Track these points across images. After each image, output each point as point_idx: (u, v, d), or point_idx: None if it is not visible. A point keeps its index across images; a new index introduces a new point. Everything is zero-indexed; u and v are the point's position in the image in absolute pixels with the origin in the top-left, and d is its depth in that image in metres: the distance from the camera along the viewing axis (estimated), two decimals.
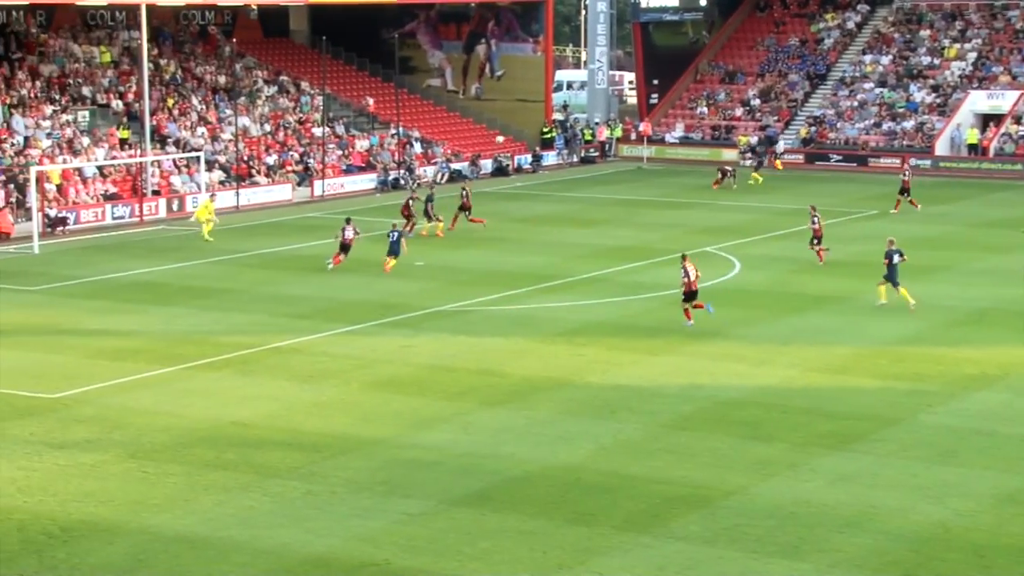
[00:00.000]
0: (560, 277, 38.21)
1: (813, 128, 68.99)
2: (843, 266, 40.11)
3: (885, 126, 67.91)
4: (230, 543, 18.70)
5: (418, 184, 57.98)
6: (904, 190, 50.92)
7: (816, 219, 40.01)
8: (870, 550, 18.68)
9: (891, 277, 33.52)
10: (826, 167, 65.35)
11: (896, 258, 33.50)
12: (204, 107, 58.06)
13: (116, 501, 20.30)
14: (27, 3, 52.69)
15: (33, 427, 23.92)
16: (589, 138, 70.55)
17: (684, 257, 32.38)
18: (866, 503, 20.43)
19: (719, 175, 57.91)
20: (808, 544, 18.89)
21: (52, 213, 46.32)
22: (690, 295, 31.89)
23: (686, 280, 31.77)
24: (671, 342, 30.52)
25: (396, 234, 38.81)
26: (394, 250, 38.45)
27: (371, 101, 64.31)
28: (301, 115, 61.29)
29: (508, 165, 64.86)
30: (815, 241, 39.80)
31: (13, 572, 17.70)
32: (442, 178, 60.93)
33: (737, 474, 21.71)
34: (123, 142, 52.91)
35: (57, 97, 53.47)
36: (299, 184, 55.75)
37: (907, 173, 52.59)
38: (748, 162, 65.26)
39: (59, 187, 48.28)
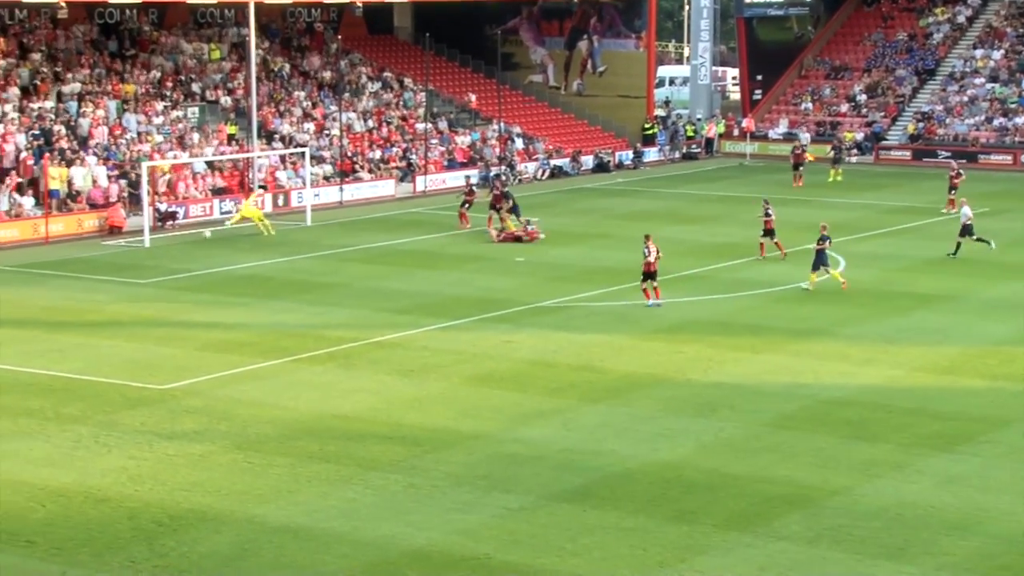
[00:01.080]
0: (661, 274, 38.05)
1: (921, 124, 67.86)
2: (951, 264, 39.43)
3: (996, 122, 66.54)
4: (332, 534, 18.92)
5: (519, 180, 58.10)
6: (952, 188, 49.12)
7: (769, 212, 40.03)
8: (979, 553, 18.34)
9: (820, 261, 35.09)
10: (934, 164, 64.20)
11: (827, 244, 35.27)
12: (310, 103, 58.71)
13: (223, 491, 20.64)
14: (140, 1, 53.70)
15: (143, 417, 24.40)
16: (691, 134, 70.15)
17: (647, 237, 33.28)
18: (975, 506, 20.07)
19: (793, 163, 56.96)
20: (914, 547, 18.61)
21: (162, 207, 47.20)
22: (648, 275, 33.04)
23: (647, 260, 32.83)
24: (774, 340, 30.25)
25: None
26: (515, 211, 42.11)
27: (473, 97, 64.55)
28: (404, 111, 61.71)
29: (609, 161, 64.70)
30: (766, 234, 39.88)
31: (124, 559, 18.09)
32: (543, 174, 60.95)
33: (841, 474, 21.45)
34: (231, 138, 53.72)
35: (168, 94, 54.43)
36: (401, 180, 56.15)
37: (956, 171, 50.93)
38: (851, 158, 64.39)
39: (170, 182, 49.16)
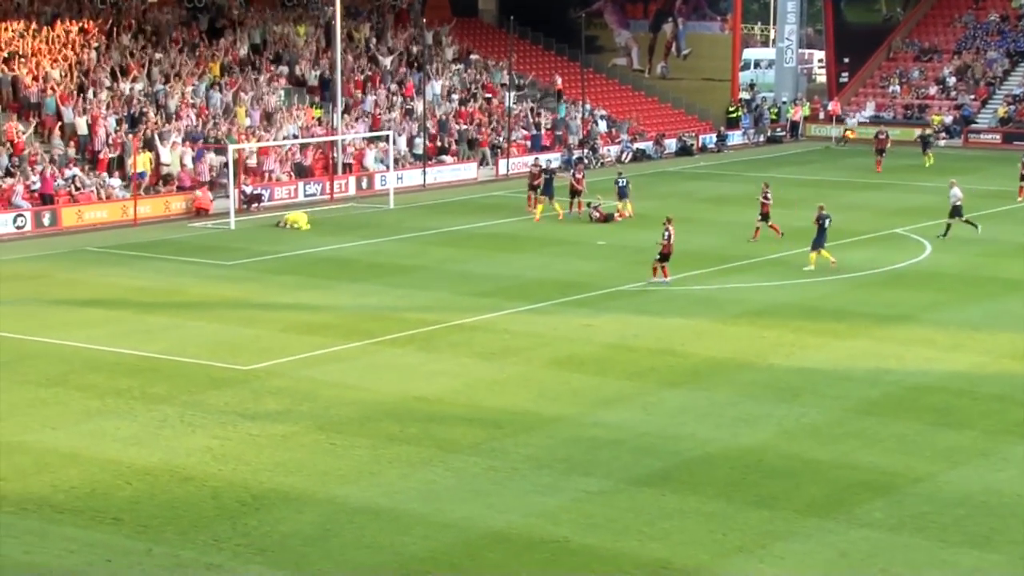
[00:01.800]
0: (744, 258, 37.79)
1: (1012, 107, 66.60)
2: None
3: None
4: (413, 516, 19.04)
5: (601, 164, 57.96)
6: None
7: (768, 195, 39.94)
8: None
9: (819, 241, 35.63)
10: None
11: (827, 223, 35.70)
12: (396, 82, 58.93)
13: (305, 471, 20.85)
14: None
15: (227, 398, 24.71)
16: (775, 117, 69.45)
17: (668, 220, 34.33)
18: None
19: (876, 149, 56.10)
20: (1000, 535, 18.32)
21: (248, 190, 47.69)
22: (664, 256, 33.94)
23: (665, 242, 33.81)
24: (858, 325, 29.95)
25: (624, 180, 43.97)
26: (622, 194, 43.47)
27: (559, 80, 64.36)
28: (490, 83, 61.82)
29: (692, 145, 64.29)
30: (762, 218, 39.87)
31: (208, 537, 18.35)
32: (626, 157, 60.75)
33: (925, 461, 21.18)
34: (318, 119, 54.09)
35: (255, 75, 54.93)
36: (482, 164, 56.23)
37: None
38: (939, 141, 63.42)
39: (255, 164, 49.61)
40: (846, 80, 72.73)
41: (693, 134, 65.51)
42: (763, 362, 27.04)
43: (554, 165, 55.05)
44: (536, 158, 52.25)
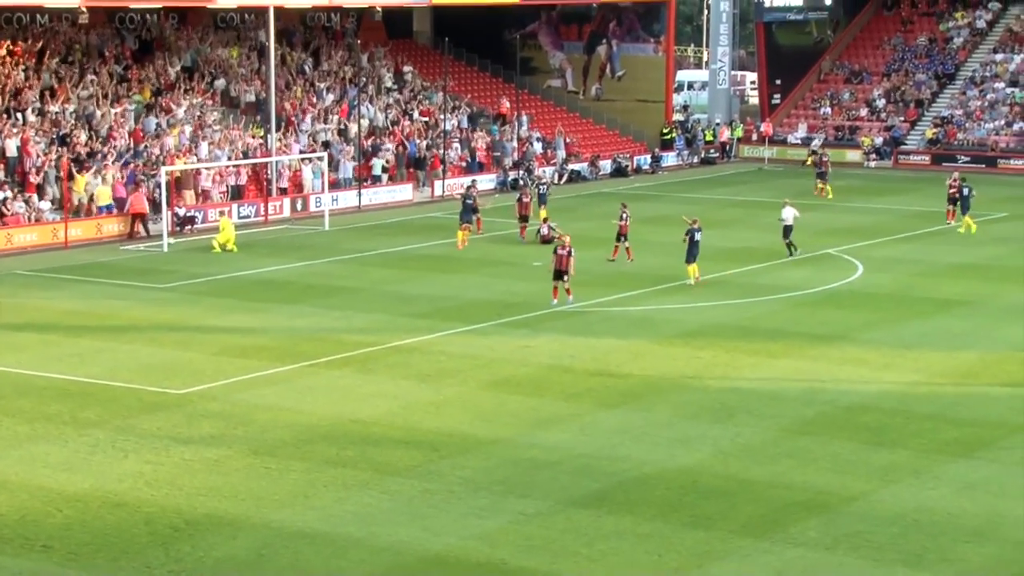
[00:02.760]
0: (679, 278, 37.99)
1: (940, 129, 67.59)
2: (971, 269, 39.24)
3: (1016, 126, 66.27)
4: (349, 540, 18.87)
5: (536, 185, 58.05)
6: (951, 200, 47.73)
7: (625, 215, 40.42)
8: (997, 560, 18.20)
9: (692, 254, 36.59)
10: (953, 168, 63.92)
11: (697, 236, 36.56)
12: (333, 99, 58.73)
13: (239, 496, 20.62)
14: (161, 6, 53.88)
15: (160, 422, 24.40)
16: (710, 138, 70.01)
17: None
18: (993, 512, 19.92)
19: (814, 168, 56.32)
20: (932, 553, 18.47)
21: (181, 212, 47.26)
22: (558, 273, 33.71)
23: (560, 255, 33.69)
24: (792, 345, 30.14)
25: (544, 187, 45.13)
26: (542, 200, 44.40)
27: (507, 103, 64.11)
28: (427, 106, 61.76)
29: (627, 166, 64.60)
30: (620, 238, 40.48)
31: (140, 563, 18.07)
32: (560, 179, 60.93)
33: (859, 480, 21.32)
34: (262, 139, 53.66)
35: (188, 95, 54.49)
36: (421, 184, 56.11)
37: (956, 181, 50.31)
38: (872, 163, 64.34)
39: (178, 181, 49.09)
40: (778, 101, 73.46)
41: (628, 155, 65.81)
42: (699, 382, 27.13)
43: (489, 186, 55.07)
44: (473, 180, 52.24)
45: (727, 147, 70.34)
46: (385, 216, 51.26)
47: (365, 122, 57.49)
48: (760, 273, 39.17)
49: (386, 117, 59.69)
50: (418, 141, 58.44)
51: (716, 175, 64.46)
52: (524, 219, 45.21)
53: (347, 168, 54.70)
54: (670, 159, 67.38)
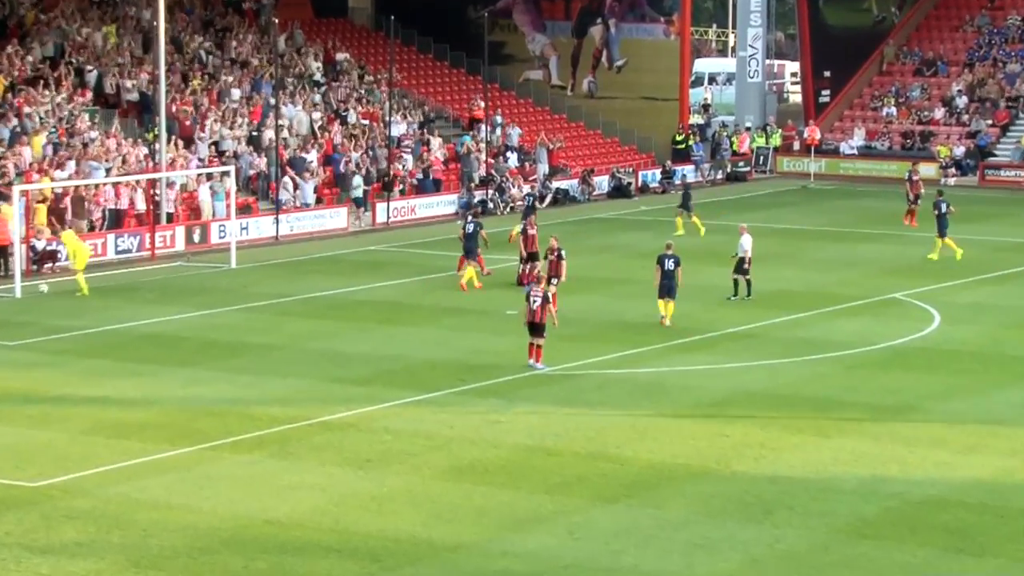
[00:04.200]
0: (700, 331, 37.97)
1: None
2: None
3: None
4: None
5: (511, 207, 58.17)
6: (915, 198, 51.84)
7: (559, 253, 40.91)
8: None
9: (663, 287, 38.48)
10: None
11: (668, 264, 38.51)
12: (238, 95, 58.77)
13: None
14: None
15: (9, 525, 24.16)
16: (736, 149, 70.53)
17: (540, 280, 35.20)
18: None
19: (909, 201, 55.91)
20: None
21: (39, 245, 47.05)
22: (534, 327, 33.80)
23: (534, 306, 33.72)
24: (848, 420, 30.14)
25: (531, 198, 45.14)
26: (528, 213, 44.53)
27: (481, 103, 64.35)
28: (369, 107, 61.94)
29: (630, 184, 64.85)
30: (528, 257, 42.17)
31: None
32: (542, 201, 61.04)
33: None
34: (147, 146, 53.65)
35: (52, 91, 54.39)
36: (359, 208, 56.19)
37: (913, 176, 51.90)
38: (950, 180, 64.66)
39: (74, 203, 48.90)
40: (828, 100, 73.98)
41: (631, 170, 66.13)
42: (725, 469, 27.06)
43: (447, 210, 55.20)
44: (480, 201, 52.07)
45: (760, 159, 70.72)
46: (311, 250, 51.22)
47: (286, 126, 57.60)
48: (806, 324, 39.23)
49: (312, 121, 59.85)
50: (353, 154, 58.53)
51: (747, 195, 64.67)
52: (533, 257, 43.67)
53: (307, 190, 54.80)
54: (686, 174, 67.67)
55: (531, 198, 54.11)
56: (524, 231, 44.15)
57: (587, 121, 69.80)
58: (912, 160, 62.97)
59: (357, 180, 56.45)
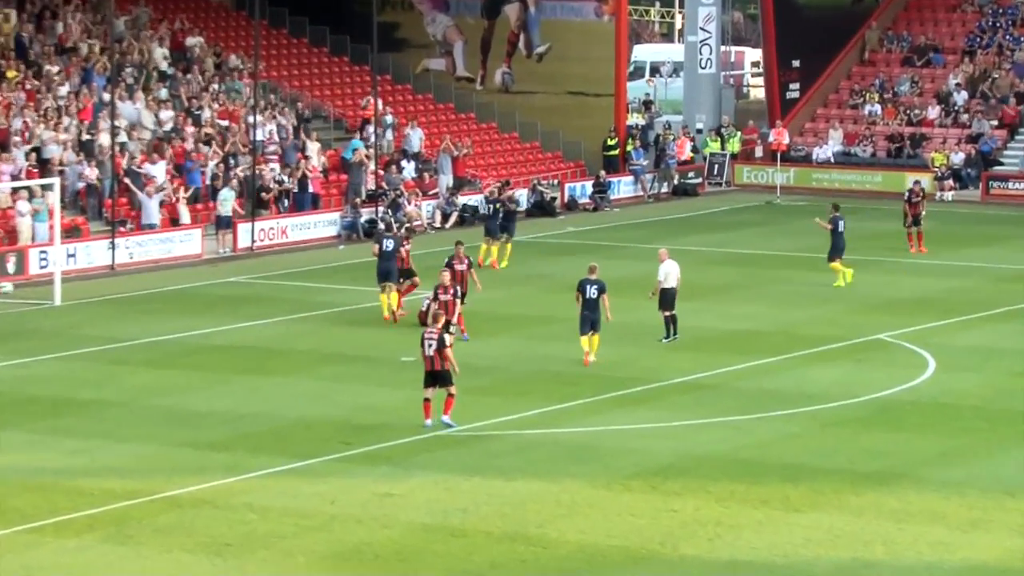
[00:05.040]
0: (642, 381, 38.06)
1: None
2: None
3: None
4: None
5: (408, 228, 58.08)
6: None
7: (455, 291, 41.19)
8: None
9: (585, 320, 39.49)
10: None
11: (591, 291, 39.39)
12: (65, 91, 58.46)
13: None
14: None
15: None
16: (693, 154, 70.78)
17: (436, 318, 35.13)
18: None
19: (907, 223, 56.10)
20: None
21: None
22: (432, 376, 34.05)
23: (429, 352, 33.97)
24: (823, 490, 30.22)
25: (392, 241, 44.70)
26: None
27: (381, 104, 64.23)
28: (228, 105, 61.73)
29: (553, 199, 64.87)
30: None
31: None
32: (445, 220, 61.01)
33: None
34: None
35: None
36: (220, 228, 55.90)
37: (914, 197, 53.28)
38: (947, 194, 65.19)
39: None
40: (797, 95, 74.28)
41: (554, 182, 66.13)
42: (672, 552, 27.06)
43: (328, 232, 55.22)
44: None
45: (716, 168, 70.93)
46: (156, 282, 50.96)
47: (124, 128, 57.25)
48: (772, 372, 39.42)
49: (158, 121, 59.54)
50: (211, 162, 58.29)
51: (698, 213, 64.89)
52: (407, 275, 45.04)
53: (150, 208, 54.47)
54: (624, 187, 67.72)
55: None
56: (449, 263, 43.74)
57: (501, 122, 69.83)
58: (911, 171, 63.91)
59: (226, 194, 56.17)
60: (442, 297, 40.00)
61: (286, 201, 59.20)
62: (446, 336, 34.79)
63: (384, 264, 44.73)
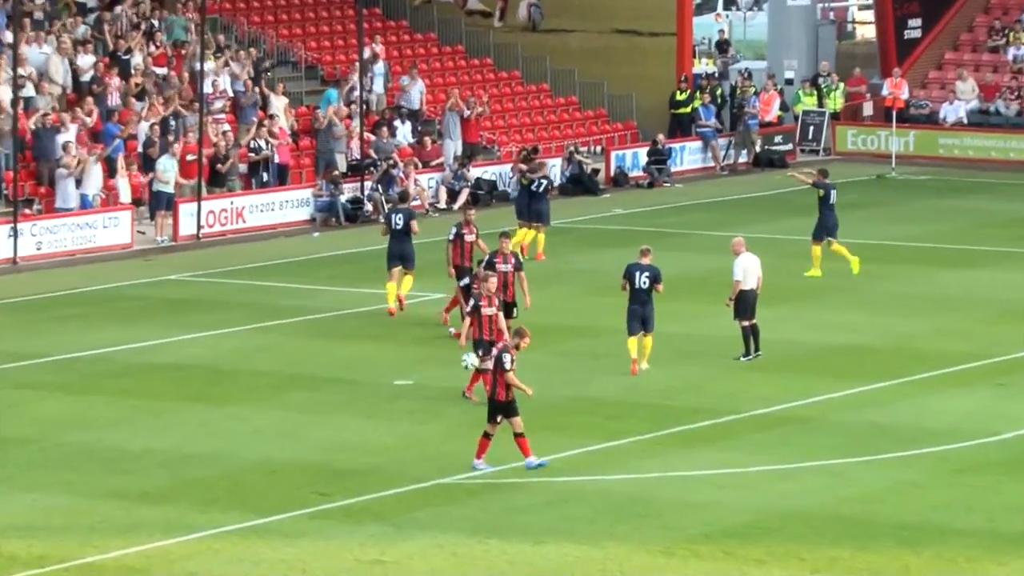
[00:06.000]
0: (712, 412, 38.11)
1: None
2: None
3: None
4: None
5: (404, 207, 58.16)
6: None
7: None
8: None
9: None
10: None
11: (643, 279, 40.33)
12: None
13: None
14: None
15: None
16: (781, 113, 70.75)
17: (518, 333, 35.07)
18: None
19: None
20: None
21: None
22: (498, 407, 34.44)
23: (494, 371, 34.56)
24: (954, 556, 30.17)
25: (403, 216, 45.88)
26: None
27: (379, 47, 64.49)
28: (166, 48, 61.92)
29: (597, 172, 64.88)
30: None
31: None
32: (454, 199, 61.08)
33: None
34: None
35: None
36: (159, 209, 55.97)
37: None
38: None
39: None
40: (918, 34, 74.17)
41: (597, 149, 66.13)
42: None
43: (300, 217, 55.36)
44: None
45: (811, 130, 70.85)
46: (72, 281, 51.20)
47: (30, 78, 57.37)
48: (884, 401, 39.47)
49: (74, 69, 59.65)
50: (144, 123, 58.43)
51: (787, 191, 64.84)
52: (475, 311, 42.84)
53: (65, 188, 54.41)
54: (688, 156, 67.69)
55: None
56: (459, 236, 44.24)
57: (527, 69, 69.94)
58: None
59: (166, 163, 56.11)
60: (485, 311, 39.06)
61: (264, 175, 59.16)
62: (505, 357, 34.77)
63: (396, 245, 45.71)
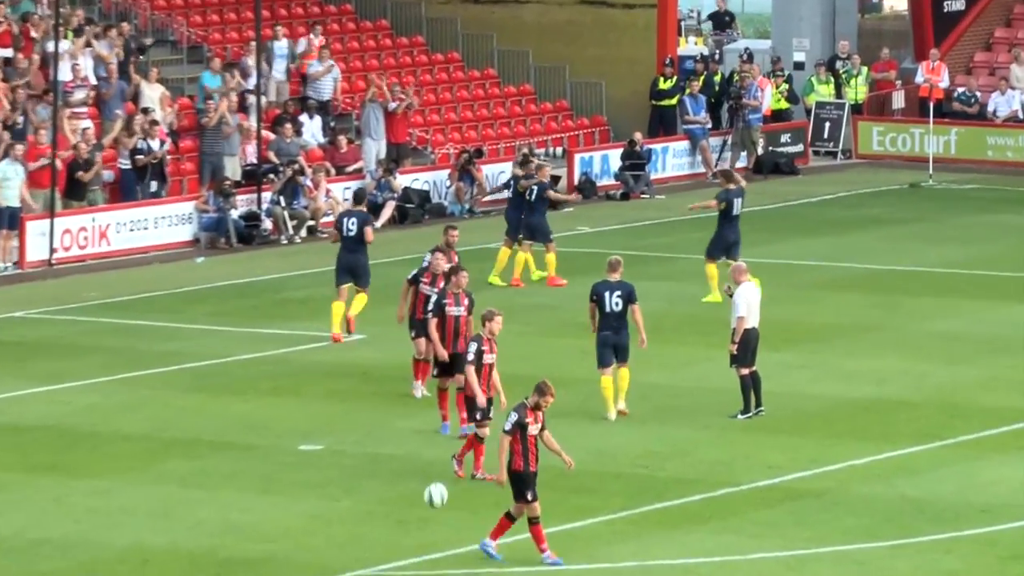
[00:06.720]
0: (704, 485, 38.10)
1: None
2: None
3: None
4: None
5: (298, 230, 58.27)
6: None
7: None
8: None
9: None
10: None
11: (615, 300, 41.44)
12: None
13: None
14: None
15: None
16: (781, 104, 70.97)
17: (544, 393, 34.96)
18: None
19: None
20: None
21: None
22: (520, 480, 34.70)
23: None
24: None
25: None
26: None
27: (317, 39, 64.71)
28: (12, 25, 62.10)
29: (557, 180, 64.94)
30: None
31: None
32: (375, 214, 61.15)
33: None
34: None
35: None
36: (8, 232, 56.11)
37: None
38: None
39: None
40: (961, 6, 74.51)
41: (557, 150, 66.25)
42: None
43: (180, 236, 55.36)
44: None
45: (827, 126, 71.10)
46: None
47: None
48: (919, 469, 39.57)
49: None
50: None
51: (797, 203, 65.20)
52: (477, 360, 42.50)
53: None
54: (672, 159, 67.89)
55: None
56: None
57: (468, 51, 70.18)
58: None
59: (7, 170, 56.09)
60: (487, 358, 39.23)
61: (153, 184, 59.06)
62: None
63: (347, 257, 46.36)
